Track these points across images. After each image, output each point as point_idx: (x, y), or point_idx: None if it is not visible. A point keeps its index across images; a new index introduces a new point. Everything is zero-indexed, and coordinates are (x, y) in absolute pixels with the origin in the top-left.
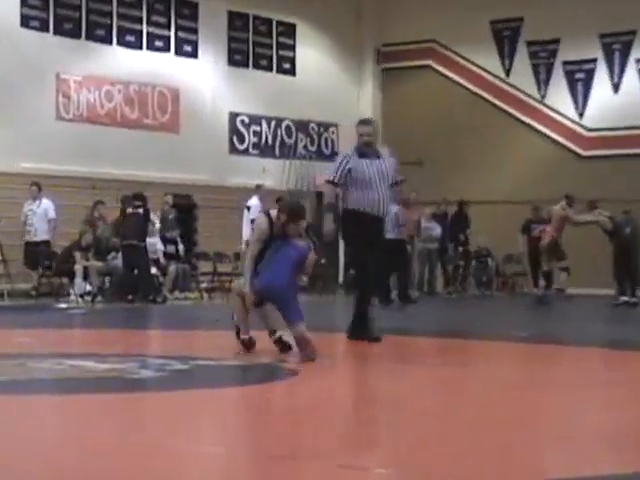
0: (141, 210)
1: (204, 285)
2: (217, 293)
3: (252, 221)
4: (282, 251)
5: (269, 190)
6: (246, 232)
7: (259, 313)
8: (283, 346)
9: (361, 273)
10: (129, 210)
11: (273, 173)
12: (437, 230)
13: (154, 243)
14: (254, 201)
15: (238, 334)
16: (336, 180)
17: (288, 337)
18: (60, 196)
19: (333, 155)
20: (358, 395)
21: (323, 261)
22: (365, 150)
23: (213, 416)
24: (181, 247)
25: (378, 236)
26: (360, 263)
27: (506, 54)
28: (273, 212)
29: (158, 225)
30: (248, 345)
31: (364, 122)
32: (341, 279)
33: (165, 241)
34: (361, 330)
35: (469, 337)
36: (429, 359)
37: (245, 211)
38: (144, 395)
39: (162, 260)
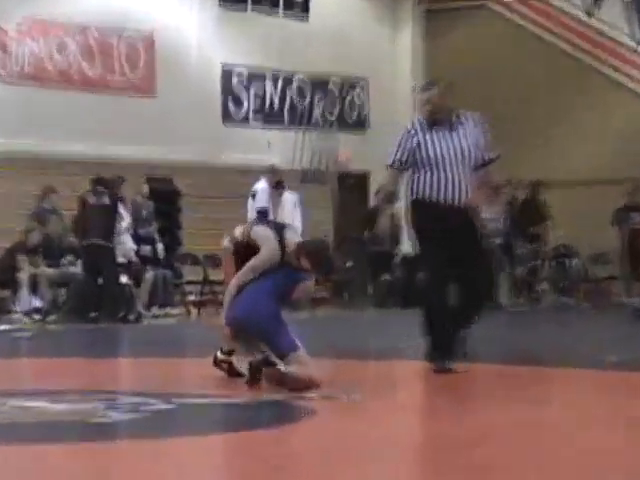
0: (107, 200)
1: (192, 298)
2: (209, 308)
3: (259, 212)
4: (267, 273)
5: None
6: None
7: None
8: (229, 371)
9: (429, 281)
10: (91, 200)
11: (281, 148)
12: (501, 222)
13: (124, 242)
14: (262, 185)
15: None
16: (397, 163)
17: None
18: None
19: (360, 123)
20: (395, 443)
21: (348, 264)
22: (433, 121)
23: (206, 475)
24: (160, 247)
25: (459, 232)
26: (429, 268)
27: None
28: (290, 242)
29: (128, 221)
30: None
31: (427, 86)
32: (371, 289)
33: (138, 240)
34: (443, 354)
35: (545, 363)
36: (496, 392)
37: (249, 200)
38: (112, 446)
39: (135, 264)
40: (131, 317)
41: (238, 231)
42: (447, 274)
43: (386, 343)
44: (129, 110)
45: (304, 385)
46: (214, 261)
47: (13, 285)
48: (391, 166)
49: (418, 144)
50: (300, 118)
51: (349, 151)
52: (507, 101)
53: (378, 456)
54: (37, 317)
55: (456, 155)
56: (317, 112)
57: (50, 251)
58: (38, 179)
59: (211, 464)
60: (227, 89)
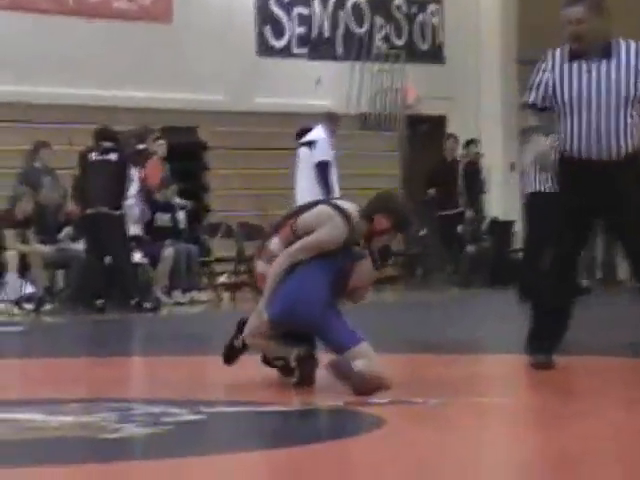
0: (114, 156)
1: (223, 279)
2: (244, 292)
3: (319, 165)
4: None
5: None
6: (304, 188)
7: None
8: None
9: (555, 256)
10: (93, 156)
11: (332, 86)
12: None
13: (131, 206)
14: (318, 134)
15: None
16: (531, 101)
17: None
18: None
19: (434, 53)
20: (485, 460)
21: (422, 232)
22: (577, 50)
23: None
24: (181, 216)
25: (610, 197)
26: (557, 241)
27: None
28: (352, 210)
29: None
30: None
31: (571, 1)
32: (451, 265)
33: (155, 207)
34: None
35: None
36: (622, 393)
37: (302, 151)
38: (128, 467)
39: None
40: (147, 305)
41: (274, 243)
42: (574, 256)
43: (471, 332)
44: (139, 42)
45: (374, 386)
46: (251, 231)
47: None
48: (529, 105)
49: (554, 82)
50: (357, 48)
51: (420, 88)
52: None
53: (464, 476)
54: (29, 307)
55: (609, 92)
56: (378, 39)
57: (44, 224)
58: (25, 131)
59: None
60: (263, 12)
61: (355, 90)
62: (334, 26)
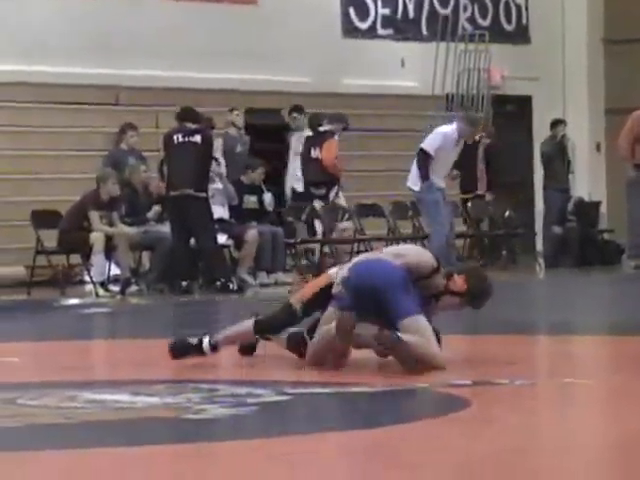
0: (199, 137)
1: (308, 260)
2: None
3: (420, 151)
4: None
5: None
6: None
7: None
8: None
9: None
10: (178, 138)
11: (417, 68)
12: None
13: (218, 189)
14: (446, 128)
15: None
16: None
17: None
18: (55, 117)
19: (519, 32)
20: (580, 442)
21: (507, 213)
22: None
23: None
24: (268, 197)
25: None
26: None
27: None
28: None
29: (223, 165)
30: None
31: None
32: (540, 245)
33: (242, 189)
34: None
35: None
36: None
37: (430, 139)
38: (215, 447)
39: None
40: (232, 286)
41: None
42: None
43: (559, 314)
44: (223, 22)
45: (423, 363)
46: (336, 213)
47: (85, 249)
48: None
49: None
50: (442, 29)
51: (505, 69)
52: None
53: (560, 461)
54: (115, 289)
55: None
56: (464, 20)
57: (132, 205)
58: (112, 114)
59: (344, 466)
60: None
61: (440, 71)
62: (419, 7)
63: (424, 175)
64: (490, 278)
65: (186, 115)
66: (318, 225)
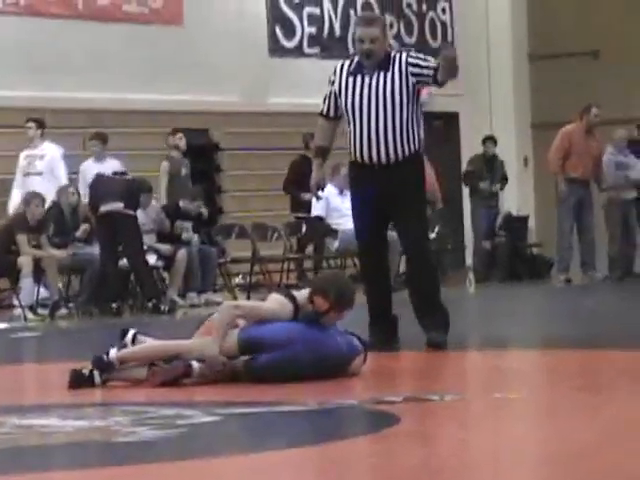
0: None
1: (238, 280)
2: (261, 293)
3: None
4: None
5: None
6: None
7: None
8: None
9: None
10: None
11: None
12: (637, 168)
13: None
14: None
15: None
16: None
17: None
18: None
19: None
20: (500, 455)
21: (437, 229)
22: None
23: None
24: (204, 212)
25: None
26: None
27: None
28: (301, 295)
29: (163, 190)
30: None
31: (367, 22)
32: (470, 260)
33: (176, 214)
34: None
35: None
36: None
37: None
38: (144, 470)
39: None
40: (162, 307)
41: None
42: None
43: (491, 328)
44: (150, 44)
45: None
46: (265, 232)
47: (13, 273)
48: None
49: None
50: None
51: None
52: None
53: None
54: (44, 312)
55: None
56: (390, 37)
57: (58, 226)
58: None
59: None
60: (275, 12)
61: None
62: (345, 25)
63: None
64: (338, 275)
65: (99, 137)
66: None
